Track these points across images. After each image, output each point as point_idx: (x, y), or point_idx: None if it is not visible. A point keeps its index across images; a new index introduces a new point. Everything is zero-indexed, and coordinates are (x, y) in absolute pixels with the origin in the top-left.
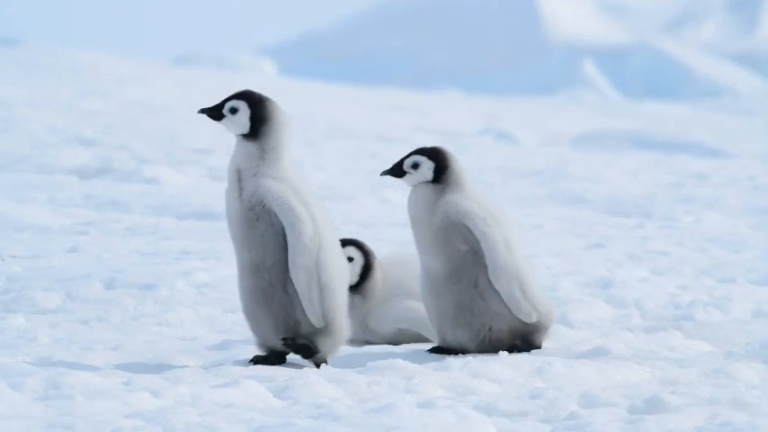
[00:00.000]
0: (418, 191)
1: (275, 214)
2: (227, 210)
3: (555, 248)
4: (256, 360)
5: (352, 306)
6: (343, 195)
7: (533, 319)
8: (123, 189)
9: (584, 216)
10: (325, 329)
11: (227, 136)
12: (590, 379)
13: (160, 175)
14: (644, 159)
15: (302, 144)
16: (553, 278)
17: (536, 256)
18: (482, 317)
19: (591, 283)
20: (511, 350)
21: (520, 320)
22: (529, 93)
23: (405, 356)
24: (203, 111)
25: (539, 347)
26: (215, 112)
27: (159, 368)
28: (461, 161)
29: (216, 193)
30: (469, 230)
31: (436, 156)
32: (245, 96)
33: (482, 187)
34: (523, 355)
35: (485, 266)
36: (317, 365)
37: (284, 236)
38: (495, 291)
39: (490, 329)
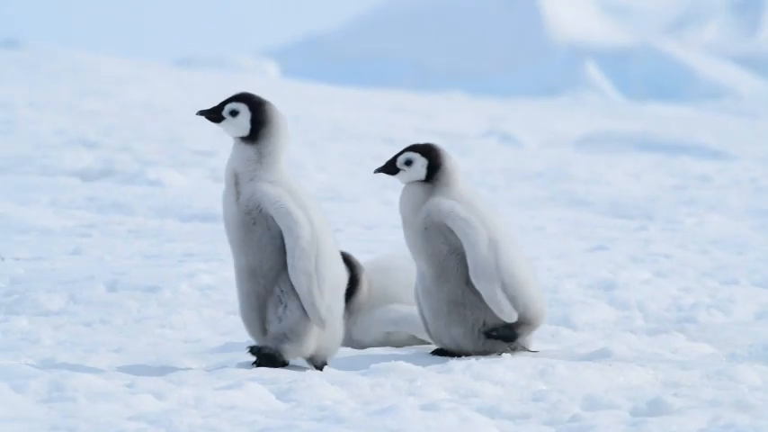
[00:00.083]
0: (408, 190)
1: (272, 218)
2: (224, 213)
3: (557, 250)
4: (259, 362)
5: None
6: (346, 197)
7: (514, 319)
8: (126, 191)
9: (587, 218)
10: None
11: (229, 138)
12: (593, 381)
13: (163, 177)
14: (646, 161)
15: (305, 146)
16: (555, 280)
17: (538, 258)
18: (476, 311)
19: (593, 285)
20: (511, 342)
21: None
22: (531, 94)
23: (407, 359)
24: (202, 113)
25: (516, 341)
26: (214, 114)
27: (162, 370)
28: (454, 159)
29: (219, 195)
30: (451, 231)
31: (429, 152)
32: (246, 99)
33: (474, 186)
34: (526, 358)
35: None
36: (320, 368)
37: (281, 240)
38: None
39: (484, 324)
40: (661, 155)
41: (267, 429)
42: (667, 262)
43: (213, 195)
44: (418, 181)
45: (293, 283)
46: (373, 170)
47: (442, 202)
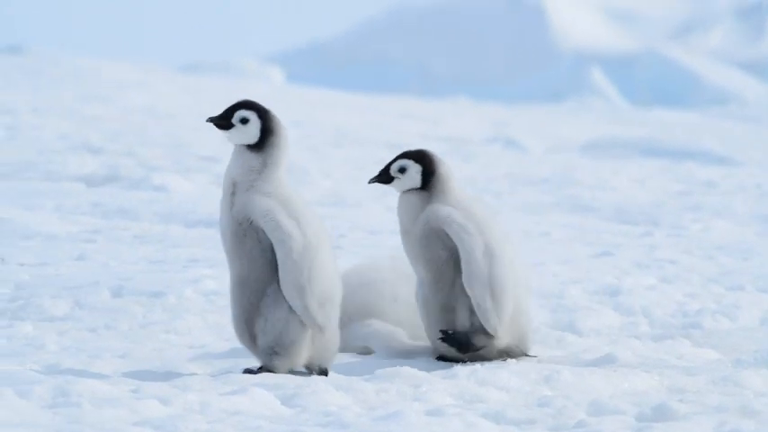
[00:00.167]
0: (405, 199)
1: (263, 231)
2: (220, 221)
3: (562, 256)
4: (264, 368)
5: None
6: (350, 202)
7: (497, 334)
8: (131, 197)
9: (592, 224)
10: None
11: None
12: (598, 387)
13: (168, 182)
14: (652, 167)
15: (309, 151)
16: (561, 286)
17: (543, 264)
18: (459, 315)
19: (599, 291)
20: (464, 351)
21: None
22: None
23: (412, 364)
24: (212, 119)
25: (468, 352)
26: (224, 122)
27: (167, 376)
28: (448, 164)
29: None
30: (449, 237)
31: (423, 159)
32: (254, 107)
33: (475, 192)
34: (531, 363)
35: None
36: (325, 374)
37: (272, 252)
38: None
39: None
40: (666, 161)
41: None
42: (673, 268)
43: (218, 201)
44: (414, 189)
45: (285, 296)
46: (367, 181)
47: (440, 209)
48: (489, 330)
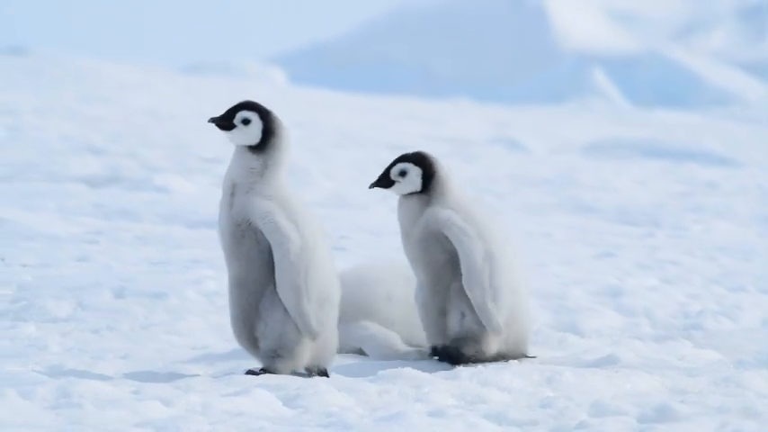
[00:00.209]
0: (405, 203)
1: (261, 233)
2: (219, 221)
3: (564, 257)
4: (265, 370)
5: None
6: (352, 204)
7: (500, 334)
8: (133, 198)
9: (594, 225)
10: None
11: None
12: (600, 388)
13: (170, 183)
14: (653, 168)
15: (311, 152)
16: (562, 287)
17: (545, 265)
18: (451, 318)
19: (600, 292)
20: (455, 364)
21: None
22: (539, 101)
23: (414, 365)
24: (213, 120)
25: (459, 364)
26: (226, 122)
27: (169, 377)
28: (447, 166)
29: None
30: (448, 239)
31: (422, 162)
32: (256, 107)
33: (476, 194)
34: (533, 364)
35: None
36: (326, 375)
37: (270, 254)
38: None
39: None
40: (668, 161)
41: None
42: (674, 269)
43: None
44: (414, 192)
45: (281, 298)
46: (368, 186)
47: (440, 212)
48: (491, 331)
